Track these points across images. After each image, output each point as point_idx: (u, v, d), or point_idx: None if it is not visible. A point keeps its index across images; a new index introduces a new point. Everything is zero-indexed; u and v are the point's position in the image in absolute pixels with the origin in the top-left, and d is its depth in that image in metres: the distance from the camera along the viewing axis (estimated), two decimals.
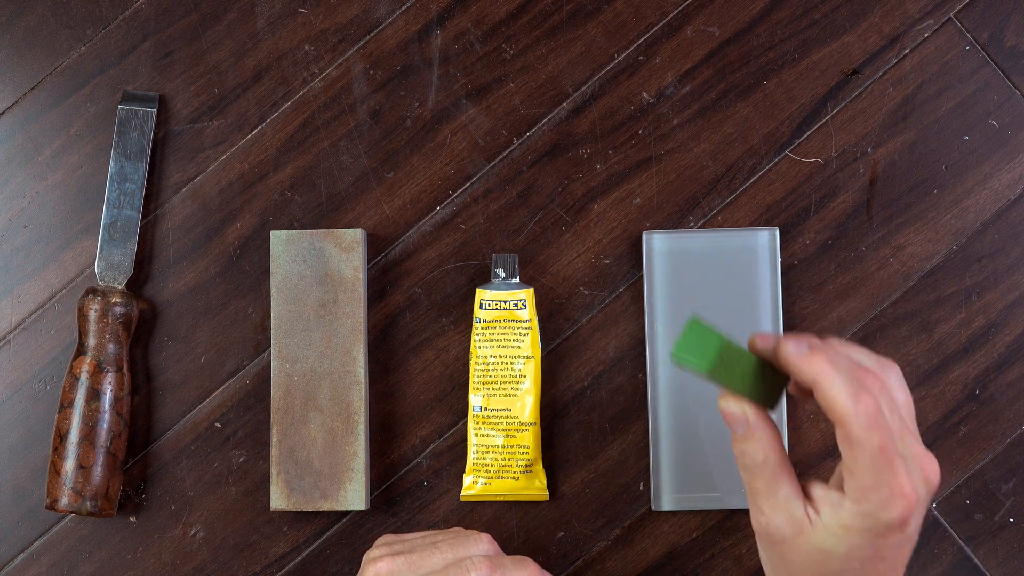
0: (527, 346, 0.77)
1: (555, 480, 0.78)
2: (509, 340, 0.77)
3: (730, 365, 0.62)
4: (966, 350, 0.78)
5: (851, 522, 0.60)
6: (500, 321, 0.76)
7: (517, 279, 0.77)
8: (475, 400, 0.76)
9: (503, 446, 0.77)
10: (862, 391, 0.59)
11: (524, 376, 0.76)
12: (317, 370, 0.77)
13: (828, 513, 0.61)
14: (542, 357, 0.78)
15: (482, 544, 0.69)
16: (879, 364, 0.62)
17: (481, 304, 0.77)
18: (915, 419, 0.63)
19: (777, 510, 0.62)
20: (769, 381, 0.63)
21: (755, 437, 0.62)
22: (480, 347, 0.77)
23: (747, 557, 0.78)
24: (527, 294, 0.77)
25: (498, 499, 0.78)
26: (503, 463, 0.77)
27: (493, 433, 0.77)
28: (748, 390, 0.62)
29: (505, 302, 0.77)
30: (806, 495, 0.62)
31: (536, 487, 0.77)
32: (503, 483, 0.77)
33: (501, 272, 0.77)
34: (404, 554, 0.68)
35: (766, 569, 0.65)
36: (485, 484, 0.77)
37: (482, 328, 0.77)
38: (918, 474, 0.60)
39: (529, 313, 0.77)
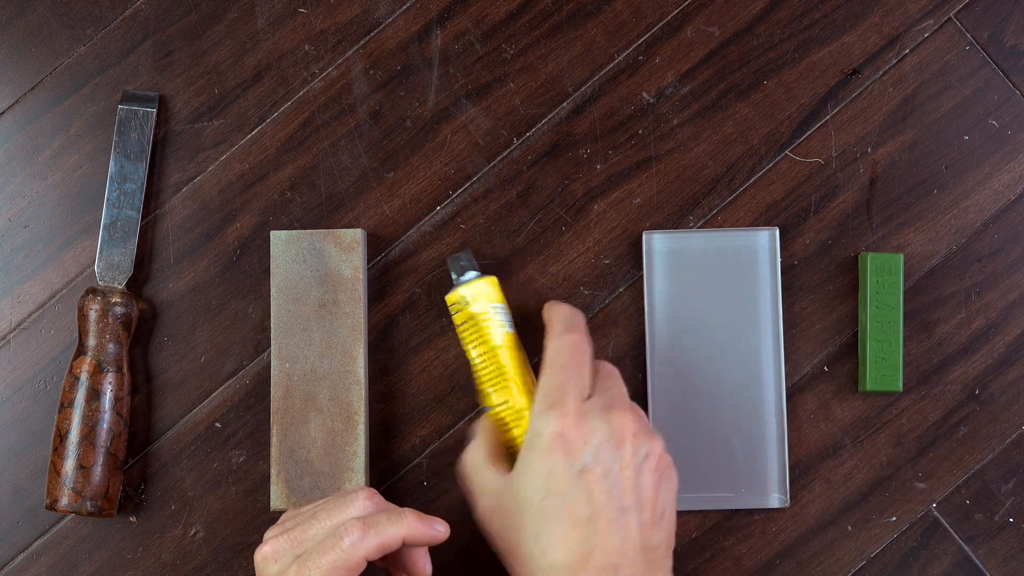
0: (492, 336, 0.75)
1: None
2: (478, 336, 0.75)
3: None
4: (966, 350, 0.78)
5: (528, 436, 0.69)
6: (467, 321, 0.75)
7: (474, 274, 0.76)
8: (485, 400, 0.76)
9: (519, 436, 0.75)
10: (573, 328, 0.72)
11: (505, 364, 0.75)
12: (317, 370, 0.77)
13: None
14: (516, 342, 0.75)
15: (359, 503, 0.67)
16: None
17: (450, 309, 0.77)
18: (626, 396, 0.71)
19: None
20: None
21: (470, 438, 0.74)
22: (468, 350, 0.76)
23: (747, 557, 0.78)
24: (471, 288, 0.75)
25: None
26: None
27: (507, 426, 0.76)
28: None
29: (457, 302, 0.76)
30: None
31: None
32: None
33: (453, 275, 0.76)
34: (288, 532, 0.66)
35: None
36: None
37: (460, 332, 0.76)
38: (599, 411, 0.68)
39: (482, 305, 0.75)
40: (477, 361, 0.75)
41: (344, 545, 0.64)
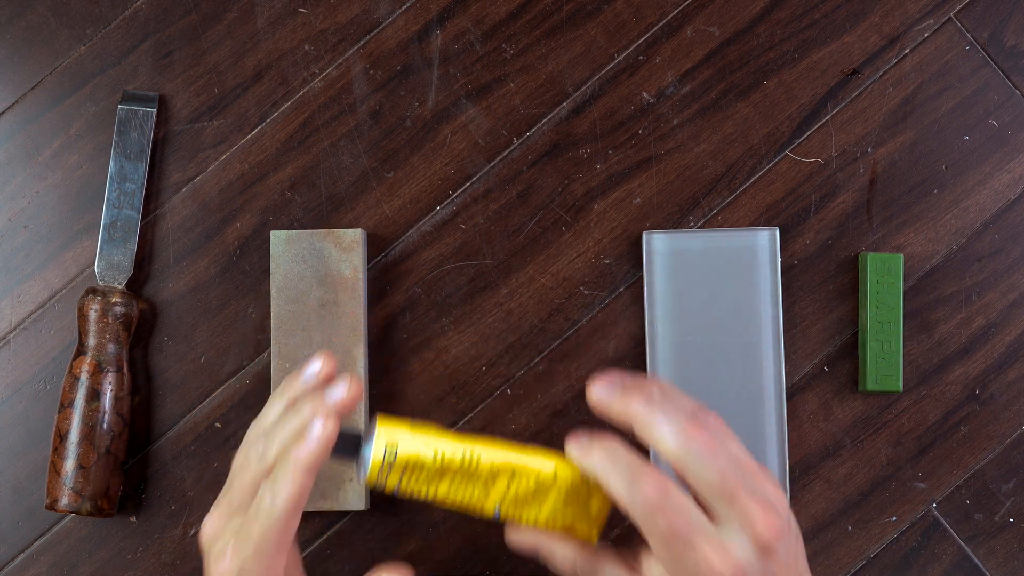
0: (450, 456, 0.63)
1: None
2: (439, 473, 0.63)
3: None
4: (966, 350, 0.78)
5: None
6: (412, 472, 0.63)
7: (362, 437, 0.64)
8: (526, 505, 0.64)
9: None
10: (641, 475, 0.58)
11: (497, 458, 0.63)
12: None
13: None
14: (468, 436, 0.64)
15: (272, 448, 0.62)
16: (702, 414, 0.60)
17: (386, 486, 0.63)
18: (753, 464, 0.60)
19: None
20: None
21: (553, 557, 0.63)
22: (448, 494, 0.64)
23: None
24: (378, 447, 0.62)
25: None
26: None
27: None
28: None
29: (379, 472, 0.62)
30: (639, 567, 0.61)
31: None
32: None
33: (355, 463, 0.64)
34: (222, 501, 0.64)
35: None
36: None
37: (419, 488, 0.63)
38: (738, 537, 0.58)
39: (408, 446, 0.62)
40: (462, 493, 0.63)
41: (264, 508, 0.61)
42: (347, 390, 0.62)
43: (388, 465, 0.61)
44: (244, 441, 0.65)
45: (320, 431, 0.61)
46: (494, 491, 0.62)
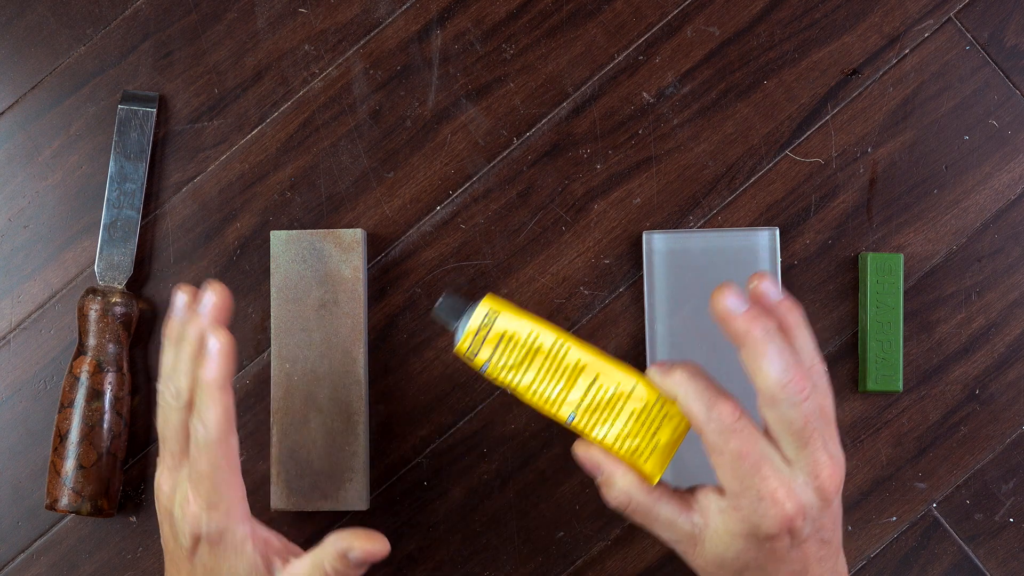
0: (542, 342, 0.64)
1: (556, 480, 0.78)
2: (526, 352, 0.64)
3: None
4: (966, 350, 0.78)
5: (735, 527, 0.60)
6: (501, 346, 0.64)
7: (468, 305, 0.65)
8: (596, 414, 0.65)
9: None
10: (718, 399, 0.60)
11: (586, 355, 0.64)
12: (317, 370, 0.77)
13: (715, 519, 0.61)
14: (564, 331, 0.65)
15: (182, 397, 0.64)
16: (812, 360, 0.63)
17: (471, 361, 0.65)
18: (832, 420, 0.63)
19: (667, 531, 0.63)
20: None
21: (612, 483, 0.63)
22: (522, 383, 0.64)
23: None
24: (478, 316, 0.64)
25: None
26: None
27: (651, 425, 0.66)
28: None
29: (472, 342, 0.64)
30: (695, 503, 0.62)
31: None
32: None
33: (449, 321, 0.65)
34: (164, 457, 0.65)
35: None
36: None
37: (499, 372, 0.64)
38: (804, 479, 0.60)
39: (504, 322, 0.64)
40: (544, 385, 0.64)
41: (200, 439, 0.62)
42: (213, 295, 0.65)
43: (484, 335, 0.63)
44: (159, 402, 0.66)
45: (216, 345, 0.63)
46: (574, 391, 0.63)
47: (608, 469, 0.63)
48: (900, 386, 0.77)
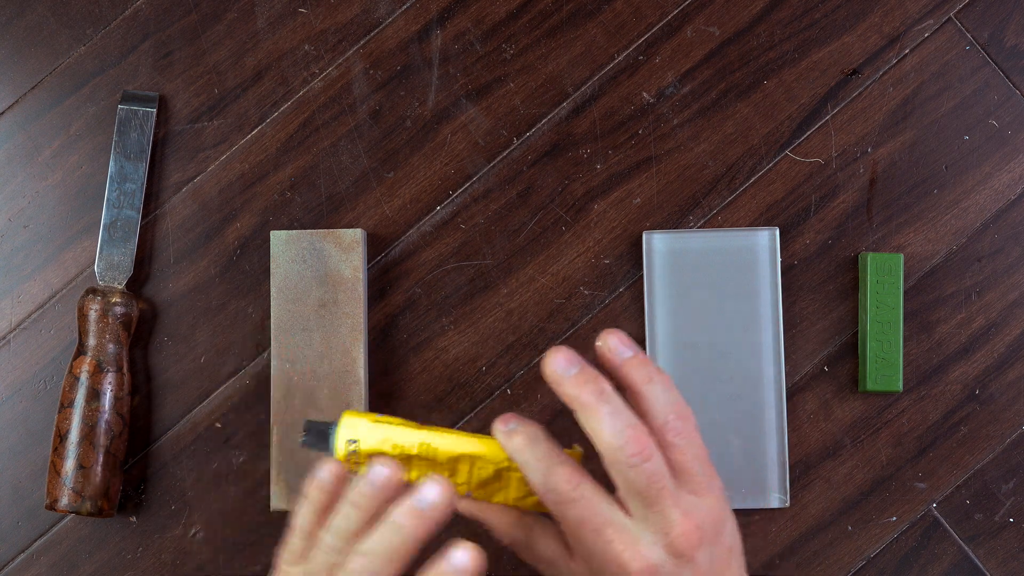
0: (409, 445, 0.63)
1: None
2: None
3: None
4: (966, 350, 0.78)
5: None
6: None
7: (331, 425, 0.63)
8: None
9: None
10: (556, 467, 0.59)
11: (444, 447, 0.63)
12: (317, 370, 0.77)
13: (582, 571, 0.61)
14: (419, 426, 0.64)
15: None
16: (667, 415, 0.61)
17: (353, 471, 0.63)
18: (697, 471, 0.60)
19: (548, 566, 0.63)
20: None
21: (491, 527, 0.64)
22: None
23: (747, 557, 0.77)
24: (346, 433, 0.63)
25: None
26: None
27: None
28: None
29: (348, 458, 0.63)
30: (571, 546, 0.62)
31: None
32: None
33: (319, 446, 0.63)
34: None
35: None
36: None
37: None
38: (651, 538, 0.59)
39: (371, 436, 0.63)
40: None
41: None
42: (439, 493, 0.57)
43: (355, 459, 0.62)
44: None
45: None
46: (458, 477, 0.63)
47: (482, 516, 0.65)
48: (900, 386, 0.77)
